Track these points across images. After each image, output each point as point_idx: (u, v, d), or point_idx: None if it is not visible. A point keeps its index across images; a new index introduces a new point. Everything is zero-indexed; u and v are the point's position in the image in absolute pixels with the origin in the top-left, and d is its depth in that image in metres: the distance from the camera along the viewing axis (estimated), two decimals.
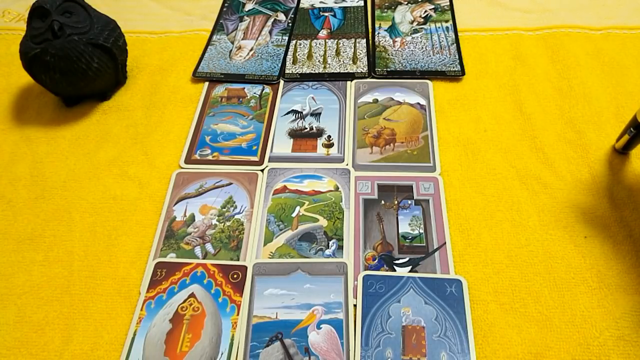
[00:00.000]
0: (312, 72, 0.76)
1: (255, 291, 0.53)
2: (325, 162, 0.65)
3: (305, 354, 0.49)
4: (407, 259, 0.55)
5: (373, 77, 0.75)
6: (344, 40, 0.81)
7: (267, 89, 0.74)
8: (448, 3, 0.85)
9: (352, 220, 0.59)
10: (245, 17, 0.86)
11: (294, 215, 0.60)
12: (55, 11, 0.65)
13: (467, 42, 0.79)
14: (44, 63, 0.65)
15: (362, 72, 0.75)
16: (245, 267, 0.55)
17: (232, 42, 0.81)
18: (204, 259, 0.57)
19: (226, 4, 0.89)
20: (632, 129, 0.59)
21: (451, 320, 0.50)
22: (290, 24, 0.84)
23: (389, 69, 0.75)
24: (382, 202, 0.60)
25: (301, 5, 0.88)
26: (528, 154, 0.64)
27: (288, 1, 0.88)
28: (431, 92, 0.72)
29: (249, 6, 0.88)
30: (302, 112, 0.71)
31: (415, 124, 0.68)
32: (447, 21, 0.82)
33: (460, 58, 0.76)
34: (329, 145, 0.67)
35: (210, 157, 0.66)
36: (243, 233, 0.59)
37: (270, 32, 0.83)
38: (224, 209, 0.61)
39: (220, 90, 0.75)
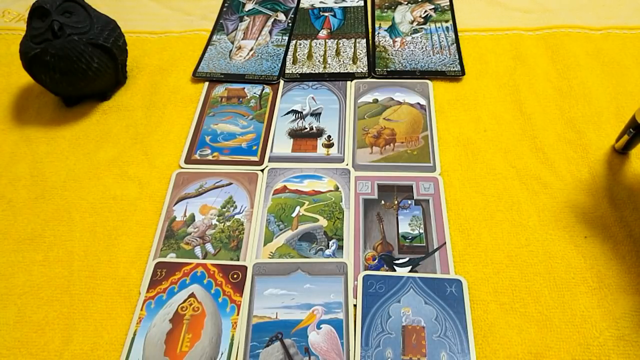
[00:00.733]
0: (312, 72, 0.76)
1: (255, 291, 0.53)
2: (325, 162, 0.65)
3: (305, 354, 0.49)
4: (407, 259, 0.55)
5: (373, 77, 0.75)
6: (344, 40, 0.81)
7: (267, 89, 0.74)
8: (448, 3, 0.85)
9: (352, 220, 0.59)
10: (245, 17, 0.86)
11: (294, 215, 0.60)
12: (55, 11, 0.65)
13: (467, 42, 0.79)
14: (44, 63, 0.65)
15: (362, 72, 0.75)
16: (245, 267, 0.55)
17: (232, 42, 0.81)
18: (204, 259, 0.57)
19: (226, 4, 0.89)
20: (631, 129, 0.59)
21: (451, 320, 0.50)
22: (290, 24, 0.84)
23: (389, 69, 0.75)
24: (382, 202, 0.60)
25: (301, 5, 0.88)
26: (528, 154, 0.64)
27: (288, 1, 0.88)
28: (431, 92, 0.72)
29: (249, 6, 0.88)
30: (302, 112, 0.71)
31: (415, 124, 0.68)
32: (447, 21, 0.82)
33: (460, 58, 0.76)
34: (329, 145, 0.67)
35: (210, 157, 0.66)
36: (243, 233, 0.59)
37: (270, 32, 0.83)
38: (224, 209, 0.61)
39: (220, 90, 0.75)
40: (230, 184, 0.63)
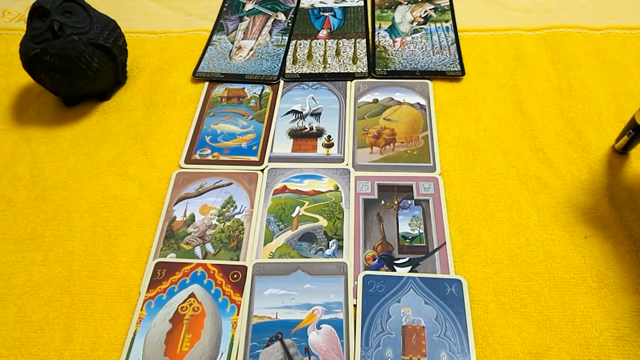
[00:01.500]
0: (312, 72, 0.76)
1: (255, 291, 0.53)
2: (325, 162, 0.65)
3: (305, 354, 0.49)
4: (407, 259, 0.55)
5: (373, 77, 0.75)
6: (344, 40, 0.81)
7: (267, 89, 0.74)
8: (448, 3, 0.85)
9: (352, 220, 0.59)
10: (245, 17, 0.86)
11: (294, 215, 0.60)
12: (55, 11, 0.65)
13: (467, 42, 0.79)
14: (44, 63, 0.65)
15: (362, 72, 0.75)
16: (245, 267, 0.55)
17: (232, 42, 0.81)
18: (204, 259, 0.57)
19: (226, 4, 0.89)
20: (631, 130, 0.59)
21: (451, 320, 0.50)
22: (290, 24, 0.84)
23: (389, 69, 0.75)
24: (382, 202, 0.60)
25: (301, 5, 0.88)
26: (528, 154, 0.64)
27: (288, 1, 0.88)
28: (431, 92, 0.72)
29: (249, 6, 0.88)
30: (302, 112, 0.71)
31: (415, 124, 0.68)
32: (447, 21, 0.82)
33: (460, 58, 0.76)
34: (329, 145, 0.67)
35: (210, 157, 0.66)
36: (243, 233, 0.59)
37: (270, 32, 0.83)
38: (224, 209, 0.61)
39: (220, 90, 0.75)
40: (230, 184, 0.63)
